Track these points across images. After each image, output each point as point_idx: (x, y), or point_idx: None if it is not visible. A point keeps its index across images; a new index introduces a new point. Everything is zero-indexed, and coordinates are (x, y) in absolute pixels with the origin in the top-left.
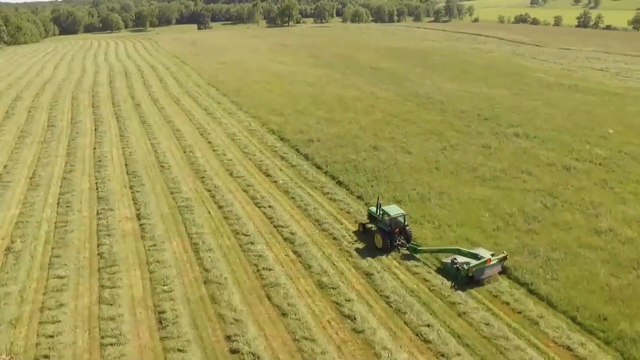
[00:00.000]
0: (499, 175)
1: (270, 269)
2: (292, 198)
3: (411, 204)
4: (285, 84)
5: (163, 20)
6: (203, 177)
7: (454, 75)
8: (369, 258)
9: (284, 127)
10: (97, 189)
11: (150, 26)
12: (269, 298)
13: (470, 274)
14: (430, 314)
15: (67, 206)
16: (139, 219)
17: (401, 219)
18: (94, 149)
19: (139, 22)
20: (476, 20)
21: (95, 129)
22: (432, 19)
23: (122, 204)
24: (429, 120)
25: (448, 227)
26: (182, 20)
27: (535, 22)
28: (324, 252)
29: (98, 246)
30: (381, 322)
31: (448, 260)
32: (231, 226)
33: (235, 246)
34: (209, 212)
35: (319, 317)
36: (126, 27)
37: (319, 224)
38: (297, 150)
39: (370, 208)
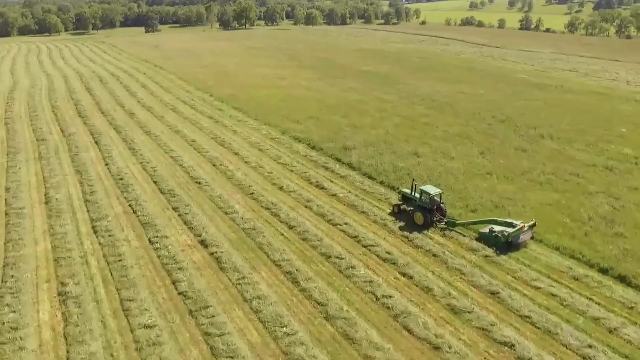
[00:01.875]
0: (551, 179)
1: (389, 296)
2: (364, 213)
3: (489, 213)
4: (281, 88)
5: (106, 23)
6: (252, 194)
7: (441, 77)
8: (486, 276)
9: (309, 135)
10: (134, 212)
11: (92, 29)
12: (408, 330)
13: (509, 240)
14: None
15: (109, 235)
16: (206, 247)
17: (437, 197)
18: (106, 165)
19: (80, 25)
20: (423, 22)
21: (96, 142)
22: (382, 21)
23: (174, 229)
24: (450, 124)
25: (538, 234)
26: (127, 22)
27: (480, 24)
28: (433, 272)
29: (174, 283)
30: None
31: (486, 229)
32: (316, 249)
33: (335, 272)
34: (282, 234)
35: (472, 347)
36: (66, 29)
37: (409, 240)
38: (338, 160)
39: (403, 189)
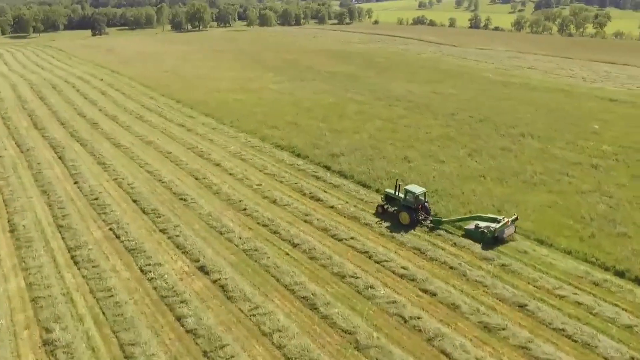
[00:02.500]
0: (544, 179)
1: (417, 317)
2: (367, 225)
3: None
4: (251, 92)
5: (49, 26)
6: (244, 209)
7: (410, 78)
8: (508, 288)
9: (291, 142)
10: (117, 237)
11: (33, 32)
12: (447, 355)
13: (495, 235)
14: None
15: (93, 266)
16: (206, 273)
17: (422, 197)
18: (76, 183)
19: (19, 28)
20: (376, 22)
21: (59, 157)
22: (336, 21)
23: (167, 254)
24: (431, 125)
25: (548, 238)
26: (71, 25)
27: (432, 23)
28: (454, 286)
29: (179, 319)
30: None
31: (472, 226)
32: (327, 268)
33: (354, 294)
34: (287, 254)
35: None
36: (3, 33)
37: (422, 252)
38: (327, 168)
39: (387, 190)
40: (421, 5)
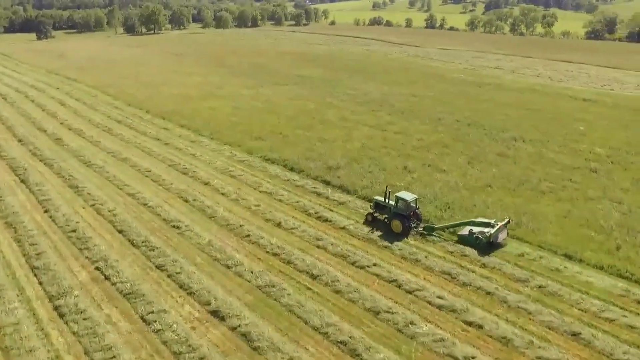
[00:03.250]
0: (550, 186)
1: (472, 357)
2: (387, 247)
3: (517, 231)
4: (224, 99)
5: None
6: (248, 236)
7: (383, 80)
8: (555, 314)
9: (281, 154)
10: (107, 278)
11: None
12: None
13: (490, 240)
14: None
15: (83, 319)
16: (222, 319)
17: (413, 204)
18: (47, 212)
19: None
20: (333, 23)
21: (22, 181)
22: (293, 22)
23: (171, 298)
24: (421, 131)
25: (575, 253)
26: (13, 28)
27: (388, 24)
28: (498, 315)
29: None
30: None
31: (465, 232)
32: (357, 303)
33: (394, 333)
34: (309, 288)
35: None
36: None
37: (452, 277)
38: (327, 182)
39: (376, 198)
40: (375, 6)
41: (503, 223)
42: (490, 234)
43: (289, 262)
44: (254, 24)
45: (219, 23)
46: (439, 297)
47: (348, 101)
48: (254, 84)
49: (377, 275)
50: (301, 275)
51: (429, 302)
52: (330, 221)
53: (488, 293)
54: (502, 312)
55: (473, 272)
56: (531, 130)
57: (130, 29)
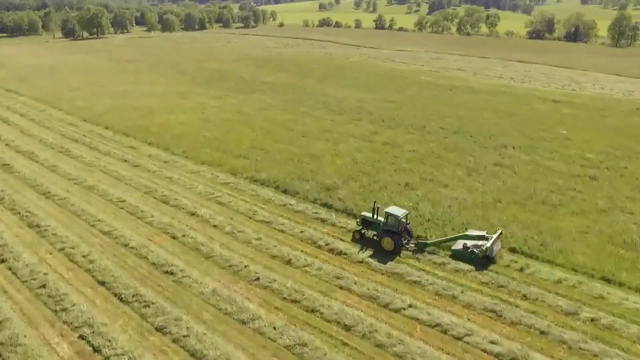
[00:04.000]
0: (559, 199)
1: None
2: (416, 282)
3: (547, 253)
4: (191, 111)
5: None
6: (258, 280)
7: (353, 85)
8: (619, 353)
9: (269, 174)
10: (96, 350)
11: None
12: None
13: (487, 254)
14: None
15: None
16: None
17: (404, 219)
18: (3, 261)
19: None
20: (281, 25)
21: None
22: (241, 25)
23: None
24: (409, 141)
25: (613, 275)
26: None
27: (338, 25)
28: None
29: None
30: None
31: (459, 246)
32: (404, 358)
33: None
34: (345, 343)
35: None
36: None
37: (498, 315)
38: (328, 206)
39: (363, 213)
40: (321, 7)
41: (497, 235)
42: (487, 248)
43: (313, 311)
44: (202, 27)
45: (165, 26)
46: (492, 342)
47: (323, 110)
48: (219, 94)
49: (416, 320)
50: (331, 326)
51: (484, 350)
52: (345, 254)
53: (542, 332)
54: (565, 356)
55: (517, 306)
56: (517, 136)
57: (69, 33)
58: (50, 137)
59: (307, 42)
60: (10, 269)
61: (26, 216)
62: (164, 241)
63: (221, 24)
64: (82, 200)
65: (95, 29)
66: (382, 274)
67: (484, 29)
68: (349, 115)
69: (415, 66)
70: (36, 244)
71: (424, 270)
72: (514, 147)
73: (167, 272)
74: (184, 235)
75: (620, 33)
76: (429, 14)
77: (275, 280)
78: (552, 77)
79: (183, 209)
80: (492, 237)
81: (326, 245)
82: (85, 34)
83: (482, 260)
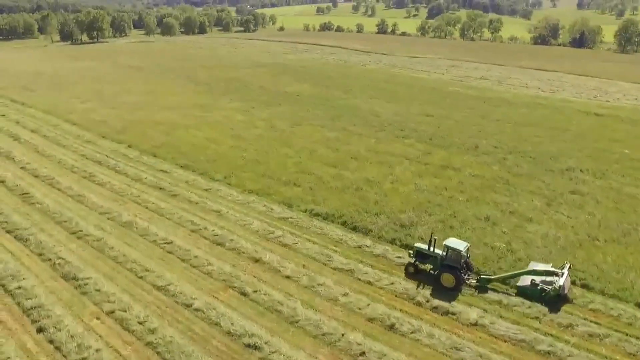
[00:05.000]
0: None
1: None
2: (550, 354)
3: None
4: (220, 127)
5: None
6: (363, 355)
7: (382, 96)
8: None
9: (330, 206)
10: None
11: None
12: None
13: (559, 292)
14: None
15: None
16: None
17: (466, 253)
18: (42, 330)
19: None
20: (282, 28)
21: None
22: (242, 29)
23: None
24: (466, 163)
25: None
26: None
27: (339, 29)
28: None
29: None
30: None
31: (526, 282)
32: None
33: None
34: None
35: None
36: None
37: None
38: (411, 247)
39: (417, 245)
40: (319, 11)
41: (567, 270)
42: (560, 286)
43: None
44: (202, 31)
45: (165, 30)
46: None
47: (362, 125)
48: (243, 106)
49: None
50: None
51: None
52: (453, 313)
53: None
54: None
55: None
56: (580, 156)
57: (67, 37)
58: (69, 159)
59: (316, 47)
60: (51, 341)
61: (59, 264)
62: (233, 299)
63: (220, 28)
64: (121, 242)
65: (96, 33)
66: (505, 341)
67: (487, 34)
68: (392, 132)
69: (436, 75)
70: (77, 304)
71: (551, 334)
72: (581, 170)
73: (249, 345)
74: (255, 291)
75: (627, 39)
76: (428, 18)
77: (385, 355)
78: (579, 86)
79: (243, 253)
80: (563, 273)
81: (427, 302)
82: (84, 38)
83: (554, 299)
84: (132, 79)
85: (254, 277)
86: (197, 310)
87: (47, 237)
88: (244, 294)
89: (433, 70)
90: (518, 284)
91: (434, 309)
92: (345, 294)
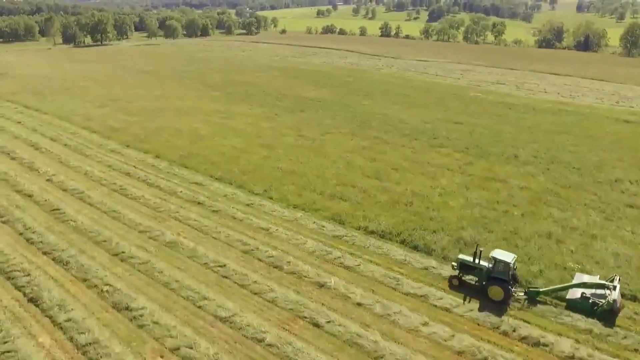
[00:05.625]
0: None
1: None
2: None
3: None
4: (247, 135)
5: None
6: None
7: (402, 102)
8: None
9: (383, 222)
10: None
11: None
12: None
13: (613, 307)
14: None
15: None
16: None
17: (513, 264)
18: None
19: None
20: (284, 31)
21: (32, 300)
22: (244, 31)
23: None
24: (511, 175)
25: None
26: None
27: (342, 32)
28: None
29: None
30: None
31: (576, 295)
32: None
33: None
34: None
35: None
36: None
37: None
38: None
39: (461, 256)
40: (319, 13)
41: (618, 282)
42: (614, 300)
43: None
44: (204, 33)
45: (168, 32)
46: None
47: (394, 133)
48: (266, 112)
49: None
50: None
51: None
52: (545, 345)
53: None
54: None
55: None
56: (624, 167)
57: (69, 39)
58: (95, 170)
59: (324, 50)
60: None
61: (107, 292)
62: (306, 332)
63: (222, 31)
64: (169, 266)
65: (100, 36)
66: None
67: (490, 37)
68: (426, 141)
69: (451, 79)
70: (136, 339)
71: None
72: (630, 182)
73: None
74: (328, 322)
75: (633, 43)
76: (429, 21)
77: None
78: (597, 91)
79: (305, 277)
80: (615, 286)
81: (513, 331)
82: (87, 40)
83: (607, 313)
84: (144, 83)
85: (323, 304)
86: (269, 345)
87: (89, 259)
88: (316, 325)
89: (447, 74)
90: (567, 296)
91: (523, 339)
92: (426, 323)
